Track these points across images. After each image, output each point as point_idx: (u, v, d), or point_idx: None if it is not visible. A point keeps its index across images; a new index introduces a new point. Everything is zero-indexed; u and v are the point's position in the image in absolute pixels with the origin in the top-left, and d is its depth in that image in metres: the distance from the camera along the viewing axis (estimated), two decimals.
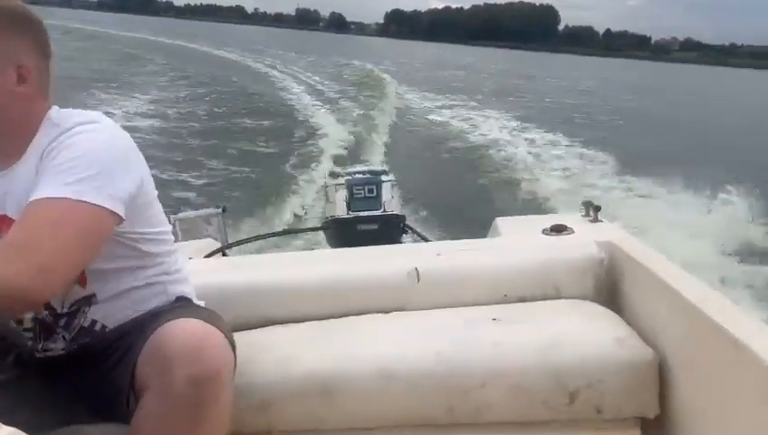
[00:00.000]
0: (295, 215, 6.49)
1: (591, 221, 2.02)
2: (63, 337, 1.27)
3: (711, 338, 1.10)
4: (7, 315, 1.12)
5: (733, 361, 1.04)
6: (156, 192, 1.32)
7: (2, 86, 1.18)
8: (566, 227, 1.90)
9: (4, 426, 0.70)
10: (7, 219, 1.19)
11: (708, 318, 1.12)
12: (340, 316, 1.59)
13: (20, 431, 0.70)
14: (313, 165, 9.26)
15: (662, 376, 1.31)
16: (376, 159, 9.33)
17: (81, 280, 1.23)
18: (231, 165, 9.79)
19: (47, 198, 1.09)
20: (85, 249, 1.12)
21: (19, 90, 1.20)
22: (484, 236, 2.29)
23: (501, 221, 2.24)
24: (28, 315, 1.25)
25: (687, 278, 1.33)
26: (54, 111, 1.25)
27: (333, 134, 11.85)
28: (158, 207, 1.33)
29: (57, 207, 1.09)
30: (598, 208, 2.02)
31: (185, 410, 1.08)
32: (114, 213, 1.14)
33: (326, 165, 9.03)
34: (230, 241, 3.26)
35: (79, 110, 1.28)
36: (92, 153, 1.15)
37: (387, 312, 1.60)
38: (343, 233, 3.63)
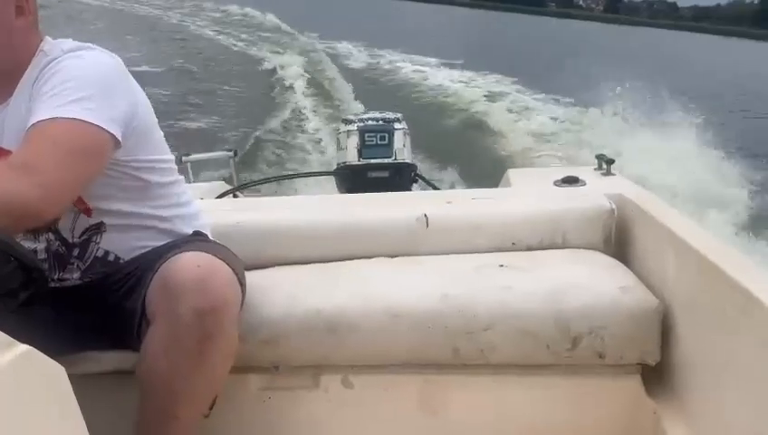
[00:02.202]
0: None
1: (604, 174, 2.02)
2: (78, 267, 1.30)
3: (720, 289, 1.11)
4: (10, 232, 1.13)
5: (741, 312, 1.04)
6: (156, 120, 1.31)
7: (3, 21, 1.18)
8: (578, 178, 1.91)
9: (20, 344, 0.72)
10: (3, 151, 1.20)
11: (719, 269, 1.12)
12: (349, 259, 1.60)
13: (35, 350, 0.72)
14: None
15: (665, 325, 1.33)
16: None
17: (86, 210, 1.25)
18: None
19: (42, 120, 1.09)
20: (83, 167, 1.12)
21: (18, 23, 1.20)
22: (495, 186, 2.30)
23: (512, 172, 2.24)
24: (41, 246, 1.28)
25: (699, 231, 1.33)
26: (46, 43, 1.25)
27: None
28: (159, 135, 1.33)
29: (54, 127, 1.09)
30: (611, 162, 2.02)
31: (190, 341, 1.10)
32: (111, 134, 1.14)
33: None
34: (240, 183, 3.27)
35: (69, 39, 1.28)
36: (84, 76, 1.15)
37: (395, 256, 1.61)
38: (353, 179, 3.60)
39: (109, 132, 1.14)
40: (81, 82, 1.14)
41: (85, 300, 1.28)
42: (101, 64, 1.20)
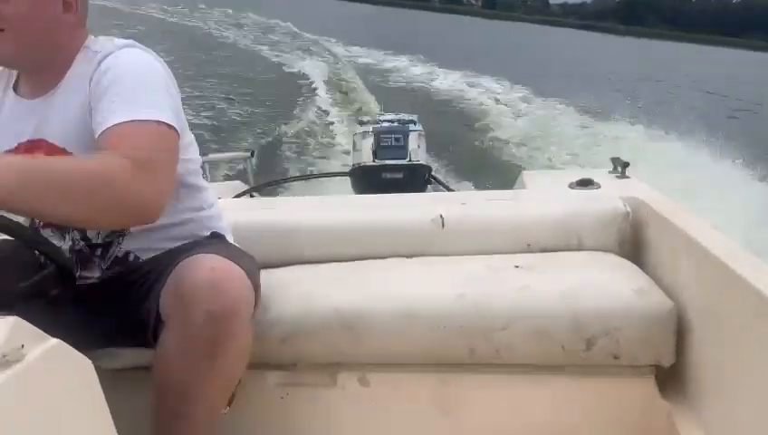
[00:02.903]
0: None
1: (619, 177, 2.02)
2: (100, 266, 1.32)
3: (736, 293, 1.11)
4: (117, 227, 1.19)
5: (756, 316, 1.05)
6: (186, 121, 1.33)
7: (50, 14, 1.21)
8: (592, 181, 1.91)
9: (51, 338, 0.74)
10: (46, 144, 1.23)
11: (734, 273, 1.12)
12: (365, 259, 1.62)
13: (65, 343, 0.74)
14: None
15: (680, 327, 1.33)
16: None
17: None
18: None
19: (131, 120, 1.10)
20: (175, 168, 1.16)
21: (65, 17, 1.23)
22: (510, 188, 2.31)
23: (527, 174, 2.26)
24: (66, 245, 1.30)
25: (715, 234, 1.33)
26: (91, 40, 1.28)
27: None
28: (191, 136, 1.35)
29: (154, 129, 1.12)
30: (626, 165, 2.02)
31: (202, 344, 1.11)
32: (178, 135, 1.17)
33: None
34: (257, 184, 3.31)
35: (110, 37, 1.30)
36: (150, 77, 1.19)
37: (411, 256, 1.63)
38: (368, 180, 3.65)
39: (178, 134, 1.17)
40: (150, 82, 1.18)
41: (104, 298, 1.30)
42: (156, 63, 1.24)
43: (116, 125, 1.10)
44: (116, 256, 1.32)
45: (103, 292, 1.31)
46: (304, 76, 12.91)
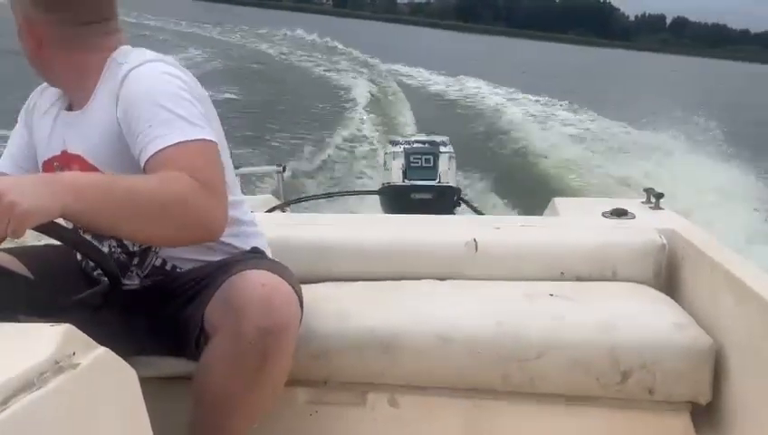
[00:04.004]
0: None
1: (652, 208, 2.01)
2: (137, 274, 1.33)
3: None
4: (185, 244, 1.21)
5: None
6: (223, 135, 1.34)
7: (33, 53, 1.25)
8: (626, 211, 1.89)
9: (99, 346, 0.76)
10: (79, 159, 1.24)
11: None
12: (398, 279, 1.61)
13: (111, 351, 0.76)
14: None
15: (718, 364, 1.32)
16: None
17: None
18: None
19: (184, 141, 1.12)
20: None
21: (42, 53, 1.24)
22: (539, 214, 2.29)
23: (559, 201, 2.25)
24: (104, 251, 1.30)
25: (754, 270, 1.33)
26: (118, 52, 1.27)
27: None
28: (227, 151, 1.35)
29: (202, 147, 1.13)
30: (660, 196, 2.01)
31: (252, 358, 1.12)
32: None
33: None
34: (288, 199, 3.31)
35: (138, 48, 1.30)
36: (181, 90, 1.19)
37: (443, 279, 1.62)
38: (397, 199, 3.66)
39: (218, 147, 1.19)
40: (184, 99, 1.18)
41: (144, 306, 1.31)
42: (183, 75, 1.24)
43: (163, 150, 1.11)
44: (153, 265, 1.33)
45: (142, 300, 1.32)
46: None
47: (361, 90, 13.65)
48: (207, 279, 1.24)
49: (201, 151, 1.13)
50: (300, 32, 26.91)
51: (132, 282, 1.34)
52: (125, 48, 1.27)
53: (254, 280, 1.14)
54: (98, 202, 0.99)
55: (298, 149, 8.21)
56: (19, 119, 1.41)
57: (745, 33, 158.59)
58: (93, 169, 1.22)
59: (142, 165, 1.14)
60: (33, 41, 1.24)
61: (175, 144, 1.11)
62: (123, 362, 0.78)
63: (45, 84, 1.37)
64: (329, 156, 8.05)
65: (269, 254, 1.43)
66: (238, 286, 1.14)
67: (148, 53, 1.26)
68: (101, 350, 0.75)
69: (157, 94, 1.16)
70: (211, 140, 1.15)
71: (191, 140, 1.12)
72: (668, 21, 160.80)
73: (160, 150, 1.11)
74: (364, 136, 9.43)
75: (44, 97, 1.37)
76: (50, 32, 1.23)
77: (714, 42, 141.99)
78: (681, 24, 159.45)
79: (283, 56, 20.53)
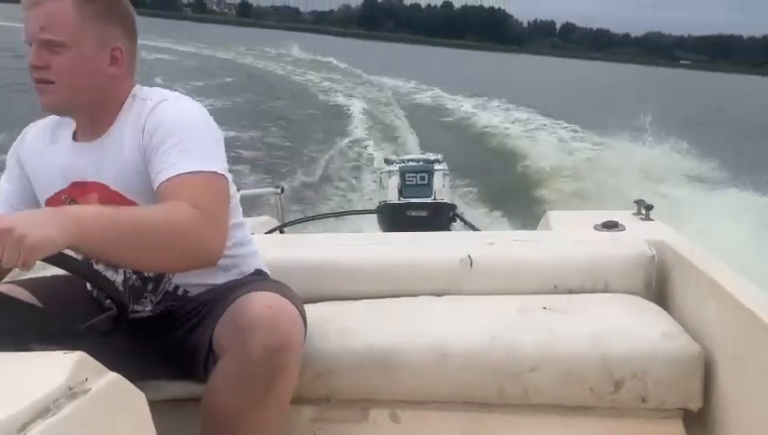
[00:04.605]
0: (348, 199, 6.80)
1: (643, 219, 2.04)
2: (151, 300, 1.37)
3: (760, 339, 1.15)
4: (185, 271, 1.27)
5: None
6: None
7: (97, 67, 1.27)
8: (617, 223, 1.92)
9: (110, 371, 0.78)
10: (99, 186, 1.29)
11: (759, 319, 1.16)
12: (396, 297, 1.64)
13: (122, 377, 0.79)
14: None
15: (707, 372, 1.35)
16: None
17: None
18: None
19: (190, 172, 1.19)
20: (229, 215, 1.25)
21: (111, 70, 1.29)
22: (533, 228, 2.34)
23: (552, 214, 2.27)
24: (119, 278, 1.35)
25: (740, 280, 1.37)
26: (138, 89, 1.34)
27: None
28: (230, 175, 1.41)
29: (211, 179, 1.20)
30: (650, 207, 2.04)
31: (260, 377, 1.17)
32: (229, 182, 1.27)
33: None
34: (287, 220, 3.35)
35: (156, 88, 1.37)
36: (203, 124, 1.27)
37: (439, 295, 1.65)
38: (394, 217, 3.71)
39: (228, 180, 1.27)
40: (203, 133, 1.26)
41: (153, 331, 1.35)
42: (204, 111, 1.32)
43: (176, 176, 1.18)
44: (166, 291, 1.37)
45: (152, 325, 1.36)
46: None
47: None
48: (214, 302, 1.29)
49: (209, 183, 1.20)
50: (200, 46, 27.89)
51: (145, 308, 1.37)
52: (141, 87, 1.35)
53: (261, 302, 1.19)
54: (103, 233, 1.04)
55: None
56: (9, 160, 1.41)
57: (626, 36, 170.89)
58: (115, 194, 1.28)
59: (155, 187, 1.21)
60: (107, 57, 1.28)
61: (187, 173, 1.19)
62: (133, 386, 0.81)
63: (32, 124, 1.41)
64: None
65: (270, 275, 1.47)
66: (245, 308, 1.18)
67: (166, 91, 1.35)
68: (113, 375, 0.78)
69: (178, 126, 1.24)
70: (222, 174, 1.23)
71: (202, 171, 1.20)
72: (558, 26, 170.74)
73: (173, 177, 1.18)
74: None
75: (38, 134, 1.40)
76: (127, 52, 1.31)
77: (599, 45, 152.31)
78: (569, 29, 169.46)
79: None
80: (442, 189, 3.86)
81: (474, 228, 3.66)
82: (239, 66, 22.75)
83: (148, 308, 1.37)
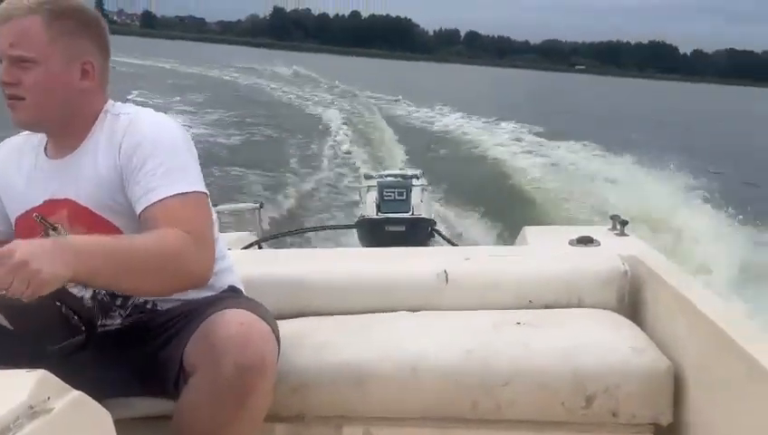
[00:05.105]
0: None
1: (618, 235, 2.06)
2: (120, 314, 1.36)
3: (727, 354, 1.16)
4: (178, 292, 1.27)
5: (746, 377, 1.09)
6: None
7: (67, 82, 1.27)
8: (592, 239, 1.94)
9: (73, 390, 0.77)
10: (69, 203, 1.28)
11: (726, 334, 1.18)
12: (372, 312, 1.64)
13: (86, 395, 0.78)
14: None
15: (677, 386, 1.37)
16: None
17: None
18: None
19: (179, 193, 1.22)
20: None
21: (82, 85, 1.29)
22: (511, 243, 2.35)
23: (528, 230, 2.28)
24: (88, 293, 1.33)
25: (707, 295, 1.40)
26: (110, 104, 1.34)
27: None
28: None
29: (196, 200, 1.23)
30: (625, 223, 2.07)
31: (231, 395, 1.16)
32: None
33: None
34: (265, 235, 3.35)
35: (128, 104, 1.37)
36: (182, 143, 1.28)
37: (415, 311, 1.65)
38: (372, 232, 3.74)
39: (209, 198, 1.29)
40: (183, 152, 1.27)
41: (122, 345, 1.34)
42: (181, 128, 1.33)
43: (163, 200, 1.21)
44: (135, 304, 1.36)
45: (121, 339, 1.34)
46: None
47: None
48: (186, 318, 1.28)
49: (195, 204, 1.23)
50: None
51: (114, 322, 1.36)
52: (114, 102, 1.35)
53: (233, 319, 1.19)
54: (102, 266, 1.09)
55: None
56: None
57: (526, 43, 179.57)
58: (85, 210, 1.27)
59: (140, 210, 1.23)
60: (77, 71, 1.27)
61: (173, 196, 1.21)
62: (98, 404, 0.80)
63: (5, 141, 1.41)
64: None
65: (244, 292, 1.47)
66: (217, 325, 1.18)
67: (140, 108, 1.35)
68: (76, 394, 0.77)
69: (158, 146, 1.25)
70: (204, 192, 1.26)
71: (188, 193, 1.22)
72: (462, 35, 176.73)
73: (159, 201, 1.20)
74: None
75: (10, 151, 1.39)
76: (99, 66, 1.31)
77: (501, 52, 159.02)
78: (473, 37, 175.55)
79: None
80: (420, 205, 3.91)
81: (451, 243, 3.71)
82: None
83: (117, 322, 1.36)
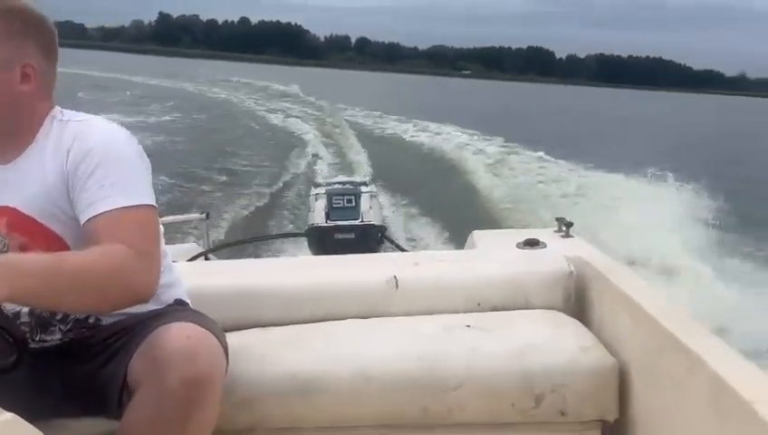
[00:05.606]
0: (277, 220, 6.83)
1: (563, 236, 2.10)
2: (60, 329, 1.31)
3: (667, 349, 1.20)
4: (121, 308, 1.22)
5: (686, 371, 1.12)
6: None
7: (6, 84, 1.22)
8: (539, 241, 1.97)
9: (4, 412, 0.74)
10: (9, 210, 1.23)
11: (666, 330, 1.21)
12: (321, 321, 1.63)
13: (19, 417, 0.75)
14: None
15: (622, 383, 1.40)
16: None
17: None
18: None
19: (128, 206, 1.18)
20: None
21: (23, 88, 1.24)
22: (461, 246, 2.36)
23: (477, 234, 2.30)
24: (25, 308, 1.28)
25: (649, 292, 1.43)
26: (57, 111, 1.30)
27: None
28: None
29: (144, 214, 1.20)
30: (570, 224, 2.11)
31: (176, 410, 1.13)
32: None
33: None
34: (213, 246, 3.27)
35: (77, 112, 1.32)
36: (133, 154, 1.25)
37: (365, 318, 1.65)
38: (323, 240, 3.74)
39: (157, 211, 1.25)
40: (134, 163, 1.24)
41: (62, 362, 1.29)
42: (133, 138, 1.29)
43: (109, 212, 1.17)
44: (76, 319, 1.31)
45: (61, 356, 1.30)
46: None
47: None
48: (130, 333, 1.24)
49: (142, 218, 1.20)
50: None
51: (53, 337, 1.32)
52: (61, 109, 1.30)
53: (178, 332, 1.16)
54: (42, 284, 1.06)
55: None
56: None
57: (415, 49, 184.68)
58: (28, 218, 1.23)
59: (84, 220, 1.19)
60: (17, 74, 1.23)
61: (119, 208, 1.18)
62: (31, 427, 0.77)
63: None
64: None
65: (190, 304, 1.43)
66: (162, 339, 1.15)
67: (90, 115, 1.31)
68: (8, 416, 0.74)
69: (108, 155, 1.22)
70: (153, 205, 1.23)
71: (135, 206, 1.19)
72: (353, 40, 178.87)
73: (105, 213, 1.17)
74: None
75: None
76: (41, 70, 1.26)
77: (391, 58, 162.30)
78: (364, 43, 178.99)
79: None
80: (369, 211, 3.91)
81: (401, 249, 3.75)
82: None
83: (57, 337, 1.31)
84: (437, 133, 17.59)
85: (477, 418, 1.41)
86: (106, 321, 1.31)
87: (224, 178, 10.05)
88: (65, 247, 1.23)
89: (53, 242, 1.23)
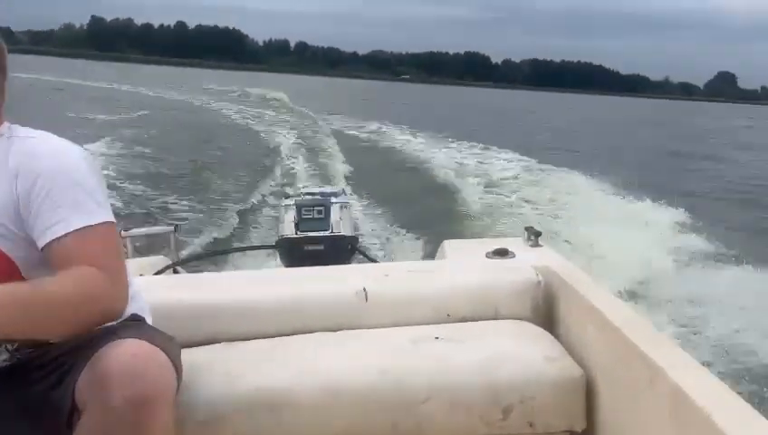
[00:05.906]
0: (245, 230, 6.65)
1: (532, 246, 2.10)
2: (7, 348, 1.26)
3: (631, 359, 1.20)
4: (90, 329, 1.19)
5: (649, 382, 1.13)
6: None
7: None
8: (508, 251, 1.97)
9: None
10: None
11: (629, 341, 1.22)
12: (289, 335, 1.61)
13: None
14: None
15: (589, 393, 1.40)
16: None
17: None
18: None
19: (90, 225, 1.17)
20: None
21: None
22: (432, 256, 2.39)
23: (448, 244, 2.32)
24: None
25: (614, 303, 1.44)
26: (5, 127, 1.27)
27: None
28: None
29: (105, 232, 1.19)
30: (538, 234, 2.11)
31: (122, 431, 1.08)
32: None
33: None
34: (181, 258, 3.22)
35: (28, 128, 1.30)
36: (86, 169, 1.23)
37: (335, 330, 1.63)
38: (292, 252, 3.71)
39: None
40: (88, 179, 1.22)
41: (11, 384, 1.25)
42: (84, 152, 1.28)
43: (71, 233, 1.16)
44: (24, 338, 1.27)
45: (10, 377, 1.25)
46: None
47: None
48: (80, 352, 1.19)
49: (103, 236, 1.19)
50: None
51: (1, 358, 1.26)
52: (10, 124, 1.28)
53: (125, 350, 1.11)
54: (12, 315, 1.04)
55: None
56: None
57: (355, 54, 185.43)
58: None
59: (43, 244, 1.17)
60: None
61: (80, 229, 1.17)
62: None
63: None
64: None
65: (149, 319, 1.39)
66: (108, 358, 1.11)
67: (39, 131, 1.28)
68: None
69: (62, 174, 1.20)
70: (112, 222, 1.22)
71: (95, 225, 1.18)
72: (292, 45, 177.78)
73: (68, 234, 1.16)
74: None
75: None
76: None
77: (331, 62, 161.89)
78: (303, 47, 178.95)
79: None
80: (339, 222, 3.88)
81: (372, 260, 3.71)
82: None
83: (4, 357, 1.26)
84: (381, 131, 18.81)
85: (447, 431, 1.40)
86: (56, 339, 1.26)
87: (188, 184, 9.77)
88: (11, 265, 1.20)
89: (3, 263, 1.19)
